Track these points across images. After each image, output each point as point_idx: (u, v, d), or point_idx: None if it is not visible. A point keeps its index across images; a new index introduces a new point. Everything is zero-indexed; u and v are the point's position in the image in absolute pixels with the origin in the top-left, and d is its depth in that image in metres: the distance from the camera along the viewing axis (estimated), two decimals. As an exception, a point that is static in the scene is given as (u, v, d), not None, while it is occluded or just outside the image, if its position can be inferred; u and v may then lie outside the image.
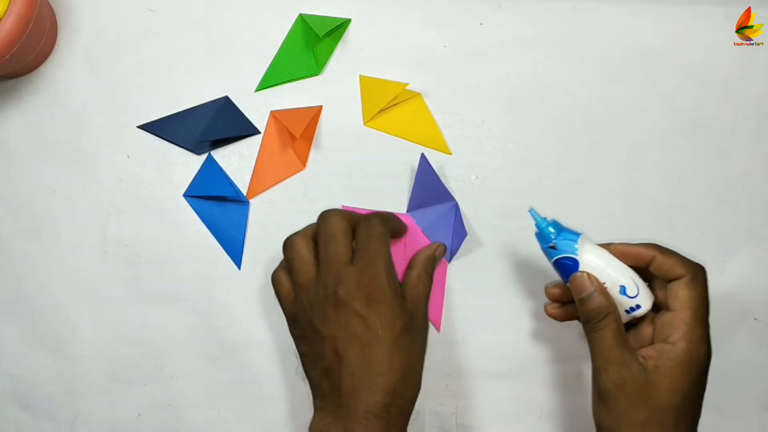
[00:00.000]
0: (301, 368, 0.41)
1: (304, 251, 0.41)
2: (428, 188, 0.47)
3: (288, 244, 0.41)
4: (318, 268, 0.40)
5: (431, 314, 0.47)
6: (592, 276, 0.38)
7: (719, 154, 0.49)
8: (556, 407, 0.47)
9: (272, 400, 0.47)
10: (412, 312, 0.40)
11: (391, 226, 0.42)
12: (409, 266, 0.43)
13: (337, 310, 0.38)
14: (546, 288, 0.42)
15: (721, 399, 0.48)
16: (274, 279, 0.42)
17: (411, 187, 0.48)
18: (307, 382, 0.41)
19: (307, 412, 0.45)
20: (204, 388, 0.47)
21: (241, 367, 0.47)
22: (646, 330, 0.39)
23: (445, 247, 0.45)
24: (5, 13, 0.41)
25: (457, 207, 0.47)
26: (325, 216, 0.41)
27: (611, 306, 0.38)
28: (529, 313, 0.47)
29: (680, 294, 0.38)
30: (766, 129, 0.49)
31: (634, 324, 0.40)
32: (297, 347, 0.41)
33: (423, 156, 0.47)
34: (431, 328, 0.47)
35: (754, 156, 0.49)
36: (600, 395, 0.38)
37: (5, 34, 0.41)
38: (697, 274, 0.39)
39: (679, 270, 0.38)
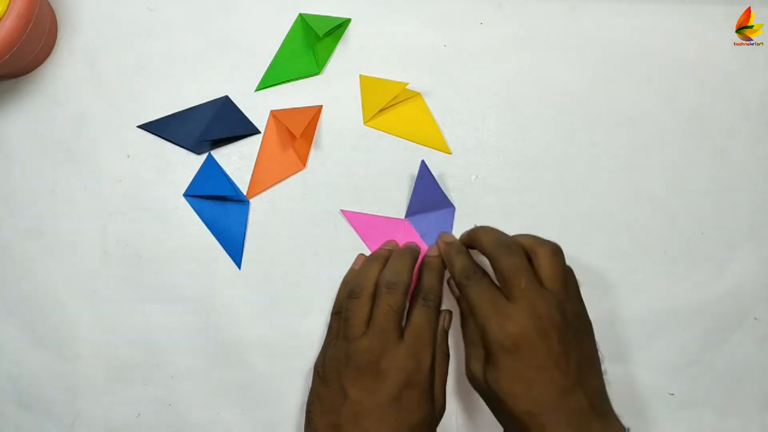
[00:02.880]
0: (306, 406, 0.42)
1: (363, 309, 0.41)
2: (427, 194, 0.47)
3: (351, 296, 0.42)
4: (369, 323, 0.41)
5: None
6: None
7: (719, 154, 0.49)
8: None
9: (272, 400, 0.47)
10: (436, 398, 0.41)
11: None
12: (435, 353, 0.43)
13: (373, 379, 0.38)
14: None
15: (721, 399, 0.48)
16: (335, 315, 0.44)
17: (410, 188, 0.48)
18: (304, 419, 0.41)
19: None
20: (204, 388, 0.47)
21: (241, 366, 0.47)
22: None
23: (451, 313, 0.46)
24: (5, 13, 0.41)
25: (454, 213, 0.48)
26: (390, 288, 0.41)
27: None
28: (529, 313, 0.47)
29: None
30: (766, 129, 0.49)
31: None
32: (315, 386, 0.42)
33: (423, 163, 0.47)
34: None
35: (754, 156, 0.49)
36: (493, 355, 0.38)
37: (5, 34, 0.41)
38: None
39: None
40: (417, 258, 0.45)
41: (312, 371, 0.43)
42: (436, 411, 0.41)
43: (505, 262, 0.39)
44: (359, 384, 0.39)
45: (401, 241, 0.47)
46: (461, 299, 0.45)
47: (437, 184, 0.47)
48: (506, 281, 0.39)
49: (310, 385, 0.43)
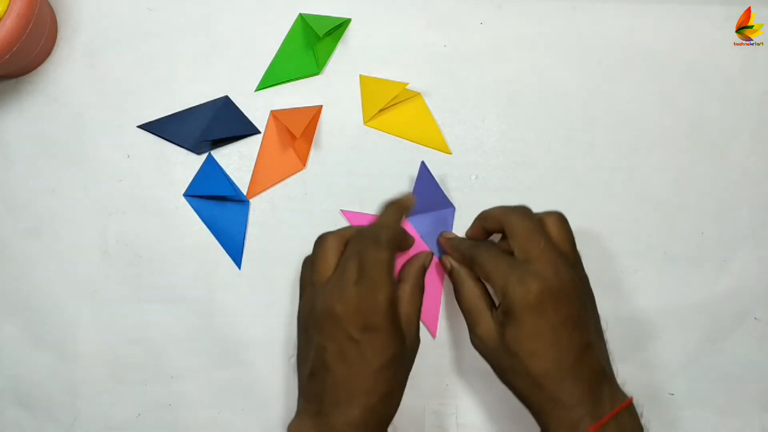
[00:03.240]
0: (294, 359, 0.42)
1: (330, 252, 0.41)
2: (427, 194, 0.47)
3: (319, 241, 0.42)
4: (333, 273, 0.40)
5: (427, 320, 0.47)
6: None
7: (719, 154, 0.49)
8: (556, 407, 0.47)
9: (272, 399, 0.47)
10: (406, 333, 0.40)
11: (398, 243, 0.42)
12: (401, 279, 0.43)
13: (331, 324, 0.38)
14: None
15: (721, 398, 0.48)
16: (303, 265, 0.43)
17: (410, 188, 0.48)
18: (296, 375, 0.41)
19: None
20: (204, 388, 0.47)
21: (241, 366, 0.47)
22: None
23: (432, 254, 0.45)
24: (5, 13, 0.41)
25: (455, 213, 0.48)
26: (359, 233, 0.41)
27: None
28: (529, 313, 0.47)
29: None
30: (766, 129, 0.49)
31: None
32: (297, 338, 0.42)
33: (423, 164, 0.47)
34: (427, 335, 0.47)
35: (754, 156, 0.49)
36: (515, 314, 0.38)
37: (5, 34, 0.41)
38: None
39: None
40: (406, 212, 0.44)
41: None
42: (408, 345, 0.40)
43: (521, 224, 0.40)
44: (321, 330, 0.39)
45: None
46: (451, 272, 0.44)
47: (437, 184, 0.47)
48: (524, 242, 0.39)
49: None
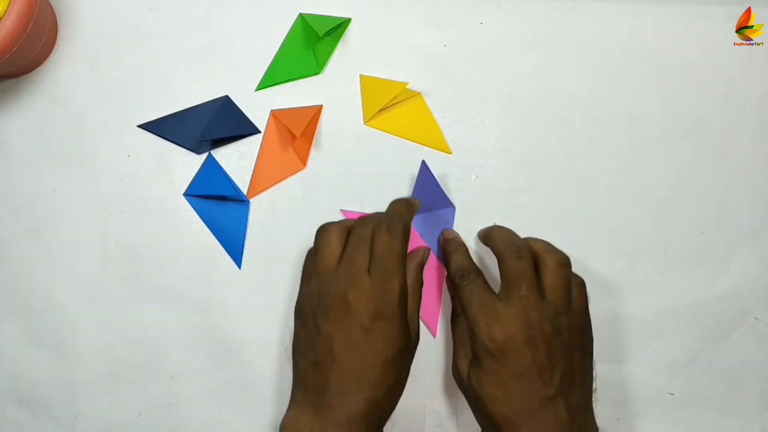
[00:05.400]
0: (290, 349, 0.42)
1: (333, 241, 0.41)
2: (428, 194, 0.47)
3: (321, 230, 0.42)
4: (339, 263, 0.40)
5: (427, 319, 0.47)
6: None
7: (719, 154, 0.49)
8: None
9: (272, 399, 0.47)
10: (410, 327, 0.40)
11: (409, 235, 0.42)
12: None
13: (342, 312, 0.38)
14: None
15: (721, 398, 0.48)
16: (307, 256, 0.43)
17: (410, 188, 0.48)
18: (291, 364, 0.41)
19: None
20: (204, 388, 0.47)
21: (241, 366, 0.47)
22: None
23: (429, 250, 0.46)
24: (5, 13, 0.41)
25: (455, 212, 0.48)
26: (362, 221, 0.41)
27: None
28: (529, 313, 0.47)
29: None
30: (766, 129, 0.49)
31: None
32: (295, 325, 0.42)
33: (423, 163, 0.47)
34: (427, 335, 0.47)
35: (754, 156, 0.49)
36: (478, 356, 0.39)
37: (5, 34, 0.41)
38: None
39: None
40: (414, 209, 0.44)
41: None
42: (413, 337, 0.41)
43: (511, 265, 0.40)
44: (330, 318, 0.38)
45: None
46: (454, 298, 0.45)
47: (438, 183, 0.47)
48: (508, 285, 0.39)
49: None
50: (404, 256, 0.40)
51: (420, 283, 0.43)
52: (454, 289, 0.42)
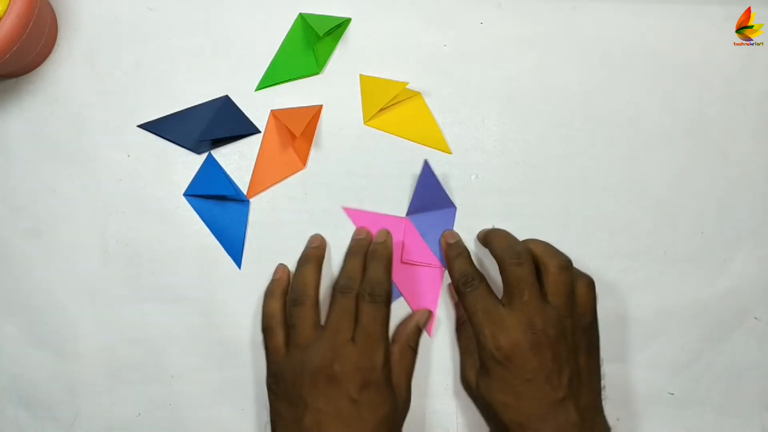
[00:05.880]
0: (269, 426, 0.42)
1: (309, 315, 0.41)
2: (429, 193, 0.47)
3: (296, 303, 0.42)
4: (318, 331, 0.41)
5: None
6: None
7: (719, 154, 0.49)
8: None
9: (272, 399, 0.47)
10: (397, 390, 0.40)
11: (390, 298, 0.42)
12: (393, 340, 0.43)
13: (329, 385, 0.38)
14: None
15: (721, 398, 0.48)
16: (268, 330, 0.43)
17: (411, 187, 0.48)
18: None
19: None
20: (204, 388, 0.47)
21: (241, 366, 0.47)
22: None
23: (430, 313, 0.46)
24: (5, 13, 0.41)
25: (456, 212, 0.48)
26: (342, 292, 0.41)
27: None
28: (529, 313, 0.47)
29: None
30: (766, 129, 0.49)
31: None
32: (272, 403, 0.42)
33: (426, 162, 0.47)
34: (424, 335, 0.47)
35: (754, 156, 0.49)
36: (486, 365, 0.39)
37: (5, 34, 0.41)
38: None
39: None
40: (390, 264, 0.44)
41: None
42: (400, 405, 0.41)
43: (512, 271, 0.40)
44: (316, 391, 0.39)
45: (401, 240, 0.47)
46: (458, 306, 0.45)
47: (439, 183, 0.47)
48: (510, 291, 0.40)
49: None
50: (388, 321, 0.41)
51: (412, 349, 0.43)
52: (458, 297, 0.42)
